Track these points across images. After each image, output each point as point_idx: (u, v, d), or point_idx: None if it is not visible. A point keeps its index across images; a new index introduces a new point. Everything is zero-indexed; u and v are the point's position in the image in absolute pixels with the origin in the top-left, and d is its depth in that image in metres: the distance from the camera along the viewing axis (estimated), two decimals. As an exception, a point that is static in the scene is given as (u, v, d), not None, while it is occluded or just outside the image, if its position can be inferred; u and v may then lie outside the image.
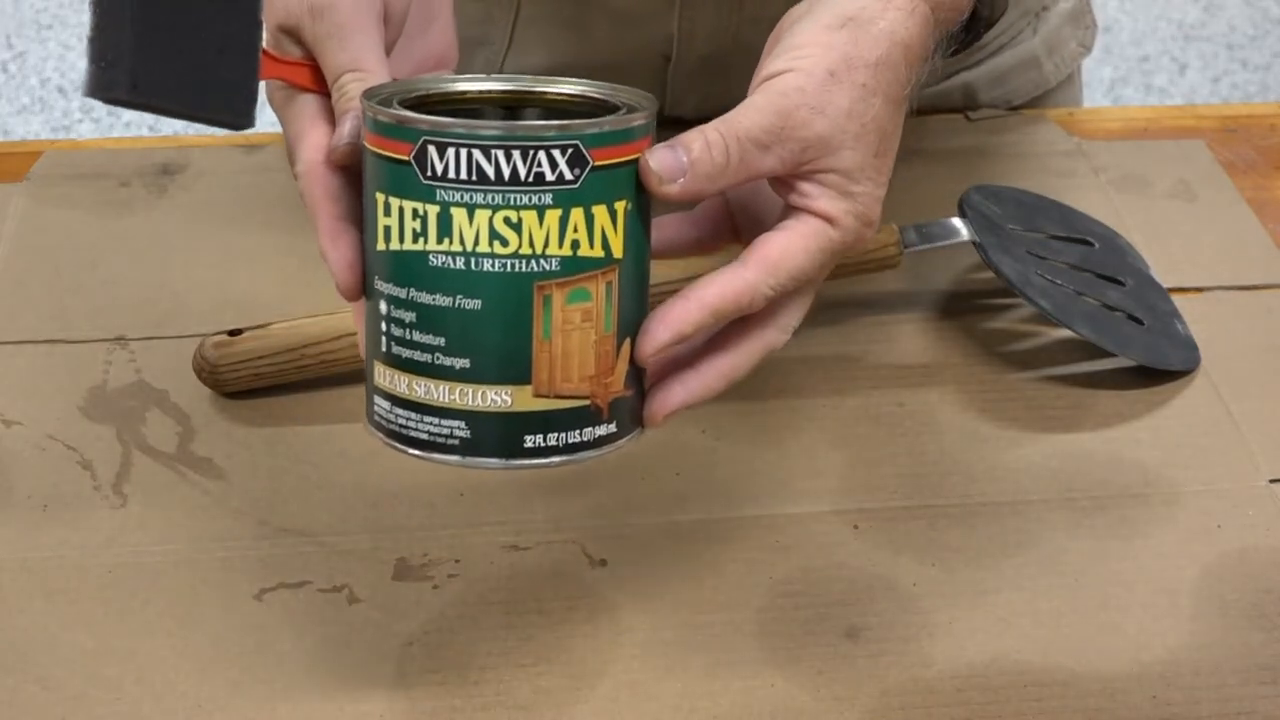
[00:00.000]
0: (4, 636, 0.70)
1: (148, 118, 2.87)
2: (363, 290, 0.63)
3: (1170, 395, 0.85)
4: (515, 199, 0.58)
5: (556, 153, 0.58)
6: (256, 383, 0.83)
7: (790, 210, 0.64)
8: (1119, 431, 0.82)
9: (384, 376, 0.62)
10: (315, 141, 0.65)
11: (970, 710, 0.67)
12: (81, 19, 3.17)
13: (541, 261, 0.59)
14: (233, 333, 0.83)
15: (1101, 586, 0.73)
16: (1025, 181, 0.98)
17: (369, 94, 0.62)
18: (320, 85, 0.67)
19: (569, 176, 0.58)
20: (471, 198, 0.58)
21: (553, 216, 0.58)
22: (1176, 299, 0.90)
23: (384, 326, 0.61)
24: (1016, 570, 0.74)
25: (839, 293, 0.88)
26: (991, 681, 0.68)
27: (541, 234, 0.58)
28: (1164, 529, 0.77)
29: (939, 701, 0.67)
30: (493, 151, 0.58)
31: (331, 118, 0.66)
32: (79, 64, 3.02)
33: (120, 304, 0.90)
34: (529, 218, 0.58)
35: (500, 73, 0.67)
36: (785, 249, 0.63)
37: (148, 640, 0.70)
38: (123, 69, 0.59)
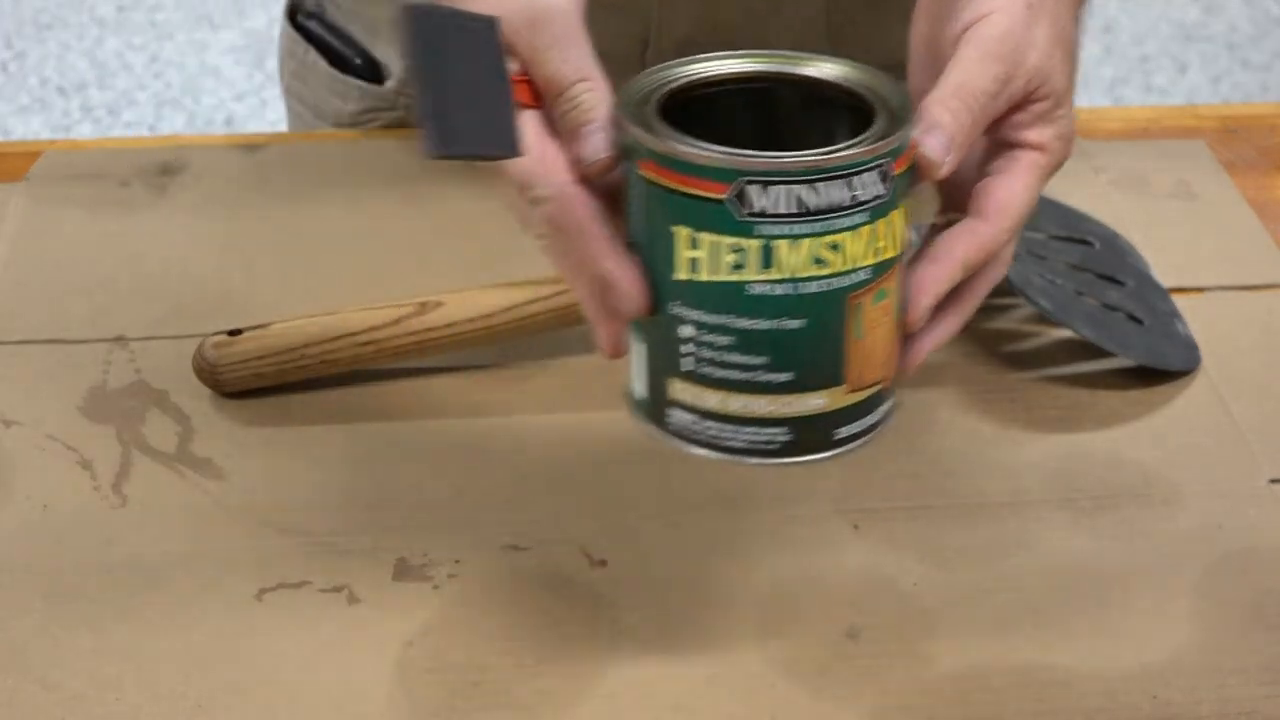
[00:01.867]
0: (4, 636, 0.70)
1: (148, 118, 2.88)
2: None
3: (1170, 395, 0.85)
4: (837, 224, 0.59)
5: (870, 174, 0.59)
6: (256, 383, 0.83)
7: (999, 148, 0.66)
8: (1119, 431, 0.82)
9: (688, 393, 0.62)
10: (557, 161, 0.63)
11: (970, 710, 0.67)
12: (80, 18, 3.18)
13: (857, 274, 0.61)
14: (233, 333, 0.83)
15: (1101, 586, 0.73)
16: (1025, 181, 0.98)
17: (633, 116, 0.61)
18: (536, 100, 0.64)
19: (881, 192, 0.60)
20: (795, 229, 0.59)
21: (866, 232, 0.60)
22: (1176, 299, 0.90)
23: (687, 348, 0.62)
24: (1016, 570, 0.74)
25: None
26: (991, 681, 0.68)
27: (856, 249, 0.60)
28: (1164, 529, 0.77)
29: (939, 701, 0.67)
30: (816, 185, 0.59)
31: (553, 132, 0.64)
32: (79, 64, 3.03)
33: (120, 304, 0.90)
34: (848, 238, 0.60)
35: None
36: (1010, 190, 0.65)
37: (148, 640, 0.70)
38: (435, 127, 0.58)
